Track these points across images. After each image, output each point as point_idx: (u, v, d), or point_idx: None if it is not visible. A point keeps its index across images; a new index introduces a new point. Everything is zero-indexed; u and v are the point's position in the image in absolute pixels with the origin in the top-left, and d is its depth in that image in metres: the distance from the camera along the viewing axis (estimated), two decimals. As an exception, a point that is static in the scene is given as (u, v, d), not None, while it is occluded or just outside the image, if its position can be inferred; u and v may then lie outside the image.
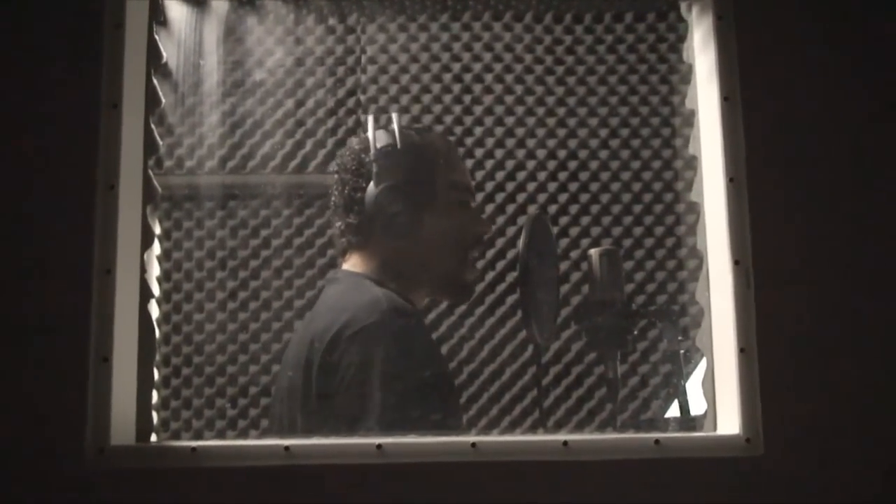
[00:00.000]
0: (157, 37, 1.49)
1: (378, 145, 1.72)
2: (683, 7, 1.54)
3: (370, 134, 1.74)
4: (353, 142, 1.82)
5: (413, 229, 1.71)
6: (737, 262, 1.41)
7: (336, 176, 1.80)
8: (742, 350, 1.39)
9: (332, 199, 1.81)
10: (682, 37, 2.42)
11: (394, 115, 1.76)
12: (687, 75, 1.56)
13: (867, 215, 1.43)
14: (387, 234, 1.71)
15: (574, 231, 2.53)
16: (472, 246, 1.85)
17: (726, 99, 1.44)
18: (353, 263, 1.78)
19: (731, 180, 1.42)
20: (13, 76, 1.41)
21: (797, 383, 1.38)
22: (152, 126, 1.47)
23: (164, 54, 1.50)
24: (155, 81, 1.48)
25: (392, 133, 1.74)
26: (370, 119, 1.76)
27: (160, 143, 1.49)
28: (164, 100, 1.50)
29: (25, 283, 1.37)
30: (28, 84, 1.41)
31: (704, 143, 1.49)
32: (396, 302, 1.67)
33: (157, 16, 1.49)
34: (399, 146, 1.73)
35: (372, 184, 1.71)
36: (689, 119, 1.53)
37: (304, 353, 1.64)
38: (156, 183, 1.47)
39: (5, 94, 1.41)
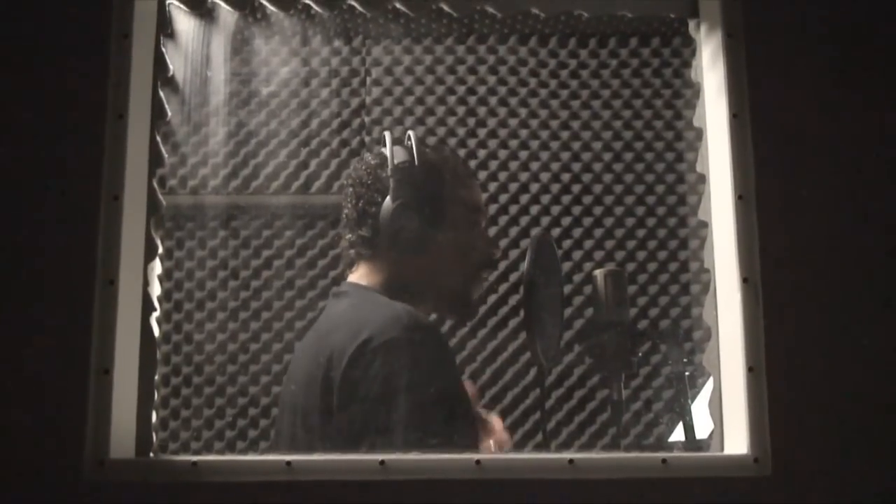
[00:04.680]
0: (164, 49, 1.49)
1: (396, 161, 1.73)
2: (692, 25, 1.54)
3: (388, 149, 1.74)
4: (369, 156, 1.82)
5: (426, 246, 1.71)
6: (745, 280, 1.39)
7: (350, 189, 1.80)
8: (751, 369, 1.37)
9: (344, 211, 1.81)
10: (686, 61, 2.43)
11: (411, 133, 1.77)
12: (691, 99, 1.56)
13: (877, 232, 1.42)
14: (400, 249, 1.71)
15: (577, 254, 2.53)
16: (481, 266, 1.84)
17: (735, 116, 1.43)
18: (359, 275, 1.77)
19: (740, 197, 1.41)
20: (20, 83, 1.41)
21: (806, 403, 1.37)
22: (158, 138, 1.46)
23: (171, 67, 1.50)
24: (161, 94, 1.47)
25: (409, 149, 1.75)
26: (387, 135, 1.77)
27: (165, 155, 1.48)
28: (170, 113, 1.49)
29: (27, 293, 1.35)
30: (34, 92, 1.40)
31: (713, 160, 1.48)
32: (417, 316, 1.67)
33: (165, 28, 1.49)
34: (416, 163, 1.73)
35: (388, 199, 1.71)
36: (695, 142, 1.53)
37: (322, 369, 1.62)
38: (160, 195, 1.46)
39: (12, 102, 1.40)
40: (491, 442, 1.84)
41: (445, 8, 1.57)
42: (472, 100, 2.60)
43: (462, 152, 2.53)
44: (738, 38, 1.45)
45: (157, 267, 1.47)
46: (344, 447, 1.57)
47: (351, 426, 1.58)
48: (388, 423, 1.55)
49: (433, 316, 1.94)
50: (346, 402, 1.59)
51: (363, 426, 1.57)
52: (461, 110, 2.59)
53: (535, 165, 2.58)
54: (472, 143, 2.58)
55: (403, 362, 1.59)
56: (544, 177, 2.57)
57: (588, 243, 2.54)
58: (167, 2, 1.51)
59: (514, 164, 2.58)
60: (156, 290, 1.46)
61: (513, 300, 2.52)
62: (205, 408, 2.47)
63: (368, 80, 2.60)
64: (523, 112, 2.60)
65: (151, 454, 1.38)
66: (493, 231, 2.51)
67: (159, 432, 2.39)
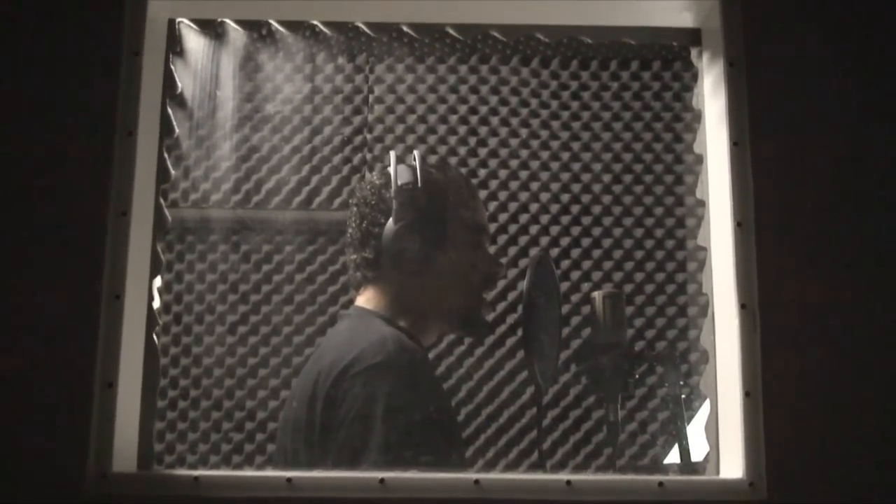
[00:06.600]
0: (172, 66, 1.50)
1: (399, 182, 1.73)
2: (694, 53, 1.56)
3: (392, 170, 1.74)
4: (374, 176, 1.82)
5: (429, 268, 1.72)
6: (743, 306, 1.41)
7: (354, 209, 1.80)
8: (747, 394, 1.39)
9: (349, 231, 1.81)
10: (687, 85, 2.45)
11: (416, 153, 1.77)
12: (691, 123, 1.58)
13: (876, 259, 1.43)
14: (402, 271, 1.72)
15: (575, 275, 2.54)
16: (485, 287, 1.85)
17: (736, 144, 1.45)
18: (366, 299, 1.78)
19: (739, 224, 1.43)
20: (31, 99, 1.42)
21: (802, 428, 1.38)
22: (165, 155, 1.48)
23: (180, 84, 1.52)
24: (169, 110, 1.49)
25: (413, 170, 1.75)
26: (392, 154, 1.77)
27: (172, 172, 1.49)
28: (177, 129, 1.51)
29: (35, 307, 1.37)
30: (45, 109, 1.42)
31: (713, 187, 1.50)
32: (403, 342, 1.67)
33: (174, 46, 1.51)
34: (420, 184, 1.74)
35: (391, 220, 1.72)
36: (694, 166, 1.54)
37: (311, 387, 1.64)
38: (167, 212, 1.47)
39: (22, 118, 1.42)
40: None
41: (451, 32, 1.59)
42: (473, 119, 2.62)
43: (462, 171, 2.55)
44: (740, 67, 1.47)
45: (157, 279, 1.48)
46: (330, 465, 1.58)
47: (332, 447, 1.59)
48: (370, 446, 1.55)
49: (437, 337, 1.94)
50: (327, 422, 1.60)
51: (343, 448, 1.58)
52: (463, 129, 2.61)
53: (535, 185, 2.60)
54: (473, 162, 2.60)
55: (385, 387, 1.60)
56: (544, 197, 2.59)
57: (586, 264, 2.55)
58: (177, 20, 1.53)
59: (514, 184, 2.60)
60: (155, 302, 1.47)
61: (510, 319, 2.54)
62: (202, 421, 2.48)
63: (371, 97, 2.62)
64: (524, 132, 2.62)
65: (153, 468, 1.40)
66: (492, 250, 2.52)
67: (156, 444, 2.40)
